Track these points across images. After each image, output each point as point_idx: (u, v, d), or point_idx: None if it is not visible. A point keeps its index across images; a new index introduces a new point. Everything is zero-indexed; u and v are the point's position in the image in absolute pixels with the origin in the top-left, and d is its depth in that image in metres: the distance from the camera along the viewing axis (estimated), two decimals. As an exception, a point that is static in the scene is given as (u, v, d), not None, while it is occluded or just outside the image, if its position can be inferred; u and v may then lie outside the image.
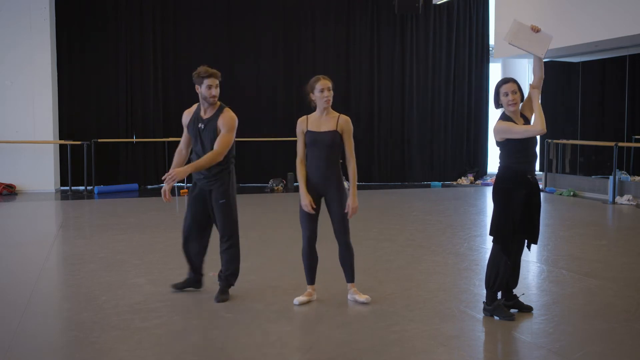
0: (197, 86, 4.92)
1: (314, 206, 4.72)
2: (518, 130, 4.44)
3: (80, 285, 5.48)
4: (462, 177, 14.90)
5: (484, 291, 4.68)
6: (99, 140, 12.84)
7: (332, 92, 4.75)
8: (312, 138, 4.70)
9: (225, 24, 13.79)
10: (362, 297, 4.85)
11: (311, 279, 4.94)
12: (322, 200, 4.83)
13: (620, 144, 11.58)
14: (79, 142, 12.62)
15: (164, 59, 13.45)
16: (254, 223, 8.74)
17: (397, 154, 14.78)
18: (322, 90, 4.71)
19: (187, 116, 5.05)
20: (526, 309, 4.66)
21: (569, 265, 6.18)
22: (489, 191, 13.11)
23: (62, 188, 12.98)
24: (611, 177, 11.25)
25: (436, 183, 14.52)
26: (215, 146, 4.86)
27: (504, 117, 4.57)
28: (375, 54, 14.55)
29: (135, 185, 13.10)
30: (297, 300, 4.84)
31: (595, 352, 3.91)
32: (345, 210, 4.71)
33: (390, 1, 12.97)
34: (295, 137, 4.85)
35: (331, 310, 4.70)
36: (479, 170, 15.14)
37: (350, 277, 4.93)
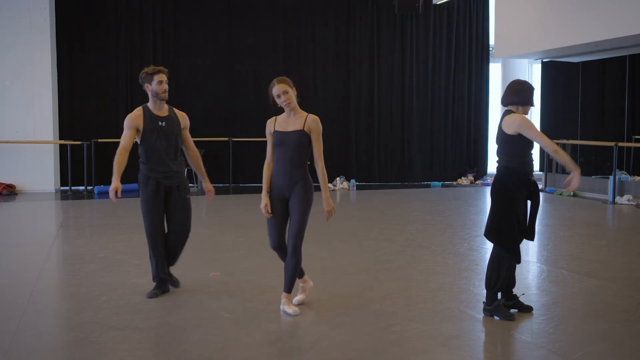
0: (146, 85, 5.01)
1: (270, 211, 4.58)
2: (536, 132, 4.41)
3: (80, 285, 5.48)
4: (462, 177, 14.90)
5: (484, 291, 4.68)
6: (99, 140, 12.84)
7: (290, 93, 4.59)
8: (279, 138, 4.60)
9: (225, 24, 13.80)
10: (291, 309, 4.61)
11: (299, 274, 4.85)
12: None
13: (620, 144, 11.58)
14: (79, 142, 12.63)
15: (164, 59, 13.44)
16: (254, 223, 8.73)
17: (397, 154, 14.78)
18: (278, 96, 4.60)
19: (136, 119, 4.98)
20: (526, 309, 4.66)
21: (569, 265, 6.17)
22: (489, 191, 13.09)
23: (62, 188, 12.99)
24: (611, 177, 11.26)
25: (436, 183, 14.52)
26: (191, 147, 5.26)
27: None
28: (375, 54, 14.55)
29: (135, 185, 12.95)
30: (296, 300, 4.82)
31: (595, 352, 3.91)
32: (326, 216, 4.64)
33: (390, 1, 12.97)
34: None
35: (331, 310, 4.70)
36: (479, 170, 15.14)
37: (288, 286, 4.64)
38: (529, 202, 4.60)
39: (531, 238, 4.66)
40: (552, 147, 4.42)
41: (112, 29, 13.27)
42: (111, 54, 13.28)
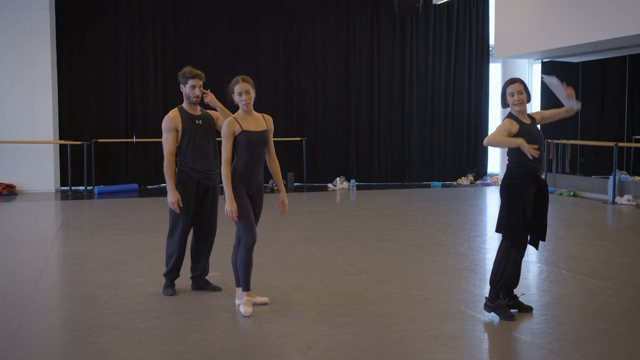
0: (182, 85, 5.15)
1: (239, 213, 4.53)
2: (499, 137, 4.49)
3: (80, 285, 5.48)
4: (462, 177, 14.89)
5: (484, 291, 4.68)
6: (99, 140, 12.84)
7: (251, 93, 4.66)
8: (251, 138, 4.59)
9: (225, 24, 13.80)
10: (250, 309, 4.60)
11: (249, 285, 4.73)
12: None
13: (620, 144, 11.58)
14: (79, 142, 12.63)
15: (164, 59, 13.45)
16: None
17: (397, 154, 14.79)
18: (240, 93, 4.64)
19: (174, 120, 5.02)
20: (526, 309, 4.66)
21: (569, 265, 6.18)
22: (489, 191, 13.10)
23: (62, 188, 12.98)
24: (611, 177, 11.26)
25: (436, 183, 14.52)
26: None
27: (510, 116, 4.59)
28: (375, 54, 14.55)
29: (135, 185, 13.10)
30: (246, 312, 4.58)
31: (595, 352, 3.91)
32: (280, 208, 4.80)
33: (390, 1, 12.97)
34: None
35: (331, 310, 4.70)
36: (479, 170, 15.13)
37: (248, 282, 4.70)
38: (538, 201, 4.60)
39: (542, 238, 4.65)
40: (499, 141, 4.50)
41: (112, 29, 13.27)
42: (111, 54, 13.27)
